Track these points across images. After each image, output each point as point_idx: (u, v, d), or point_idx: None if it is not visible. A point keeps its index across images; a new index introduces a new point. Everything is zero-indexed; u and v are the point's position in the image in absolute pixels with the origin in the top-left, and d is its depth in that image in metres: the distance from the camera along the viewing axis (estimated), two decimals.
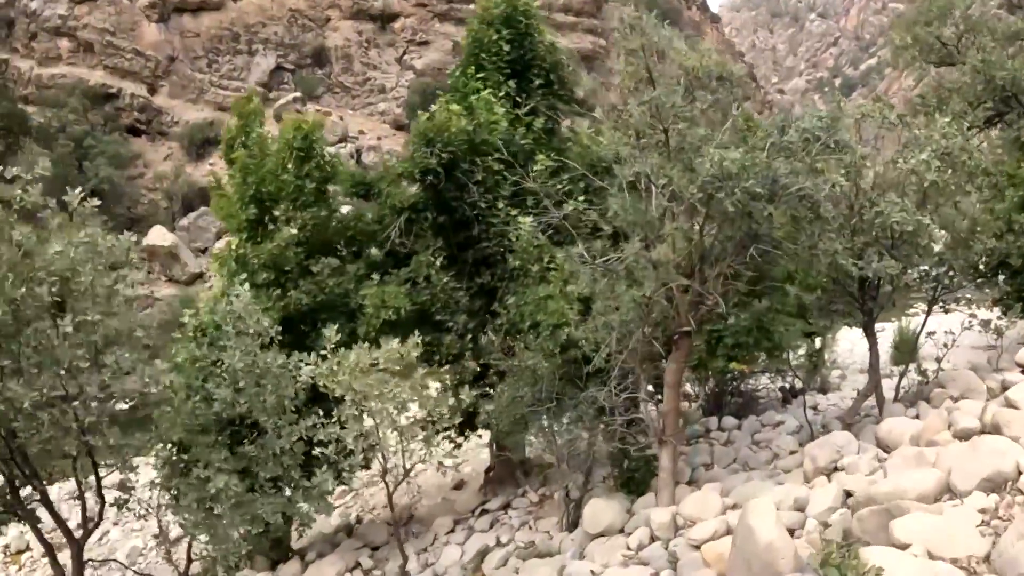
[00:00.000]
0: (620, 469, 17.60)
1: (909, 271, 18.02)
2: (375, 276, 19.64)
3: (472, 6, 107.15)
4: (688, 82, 13.57)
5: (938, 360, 20.06)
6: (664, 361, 15.92)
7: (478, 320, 19.36)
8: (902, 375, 20.23)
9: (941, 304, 20.04)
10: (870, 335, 18.32)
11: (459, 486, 26.55)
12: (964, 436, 12.74)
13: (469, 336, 18.86)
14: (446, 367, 20.02)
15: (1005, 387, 13.99)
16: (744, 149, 12.94)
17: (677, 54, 13.64)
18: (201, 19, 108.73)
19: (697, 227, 14.00)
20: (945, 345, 20.35)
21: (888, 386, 20.37)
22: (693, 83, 13.61)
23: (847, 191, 15.70)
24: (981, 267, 20.54)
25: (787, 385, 26.36)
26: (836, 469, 14.34)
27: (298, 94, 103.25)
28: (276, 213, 20.71)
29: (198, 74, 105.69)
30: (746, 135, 14.65)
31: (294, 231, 20.12)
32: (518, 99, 21.08)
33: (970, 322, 20.48)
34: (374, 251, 20.72)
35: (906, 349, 21.36)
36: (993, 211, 20.01)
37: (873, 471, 13.05)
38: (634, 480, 17.46)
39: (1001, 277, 22.20)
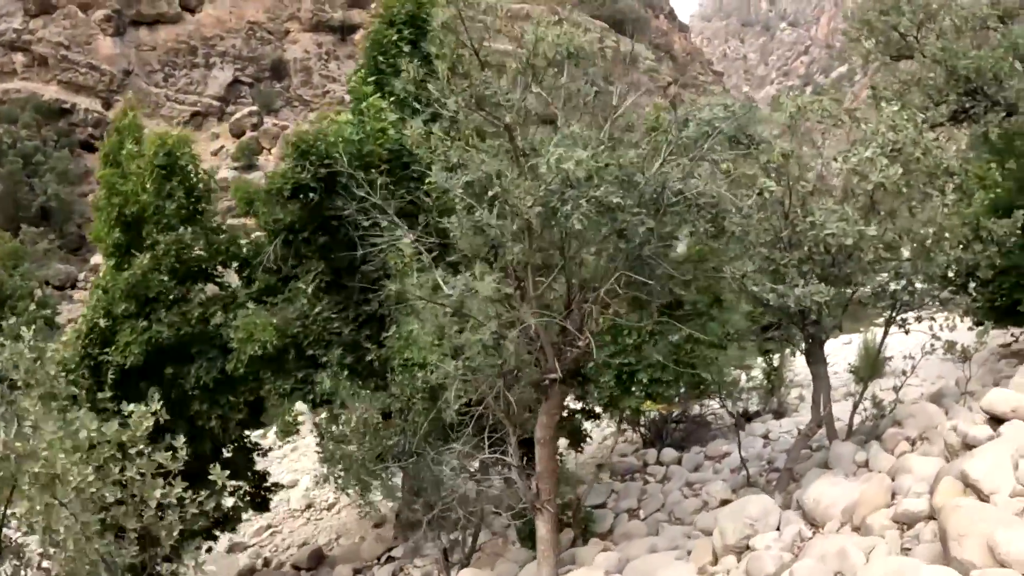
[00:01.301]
0: (523, 522, 15.20)
1: (859, 288, 15.54)
2: (251, 305, 17.26)
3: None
4: (526, 63, 10.90)
5: (896, 389, 17.72)
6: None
7: (358, 354, 16.86)
8: (856, 405, 17.84)
9: (900, 324, 17.67)
10: (814, 364, 15.87)
11: (380, 523, 24.30)
12: (907, 522, 10.16)
13: (346, 373, 16.33)
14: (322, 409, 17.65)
15: (967, 444, 11.48)
16: (604, 147, 10.32)
17: (504, 25, 11.02)
18: (158, 32, 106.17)
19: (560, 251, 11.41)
20: (904, 372, 18.00)
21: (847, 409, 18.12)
22: (534, 64, 10.94)
23: (779, 197, 13.30)
24: (951, 275, 18.21)
25: (739, 408, 24.17)
26: (748, 548, 11.82)
27: (255, 108, 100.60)
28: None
29: (154, 88, 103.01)
30: (628, 133, 12.02)
31: (156, 255, 17.63)
32: (417, 105, 18.66)
33: (932, 345, 18.07)
34: (262, 276, 18.39)
35: (867, 371, 18.86)
36: (959, 216, 17.63)
37: (780, 570, 10.46)
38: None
39: (972, 284, 20.34)
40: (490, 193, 10.11)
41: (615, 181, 10.14)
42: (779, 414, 25.08)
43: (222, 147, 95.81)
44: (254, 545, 26.82)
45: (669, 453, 21.27)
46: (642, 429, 23.66)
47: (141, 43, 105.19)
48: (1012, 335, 23.34)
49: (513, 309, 11.31)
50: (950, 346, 17.87)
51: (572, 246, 11.26)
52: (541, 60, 10.46)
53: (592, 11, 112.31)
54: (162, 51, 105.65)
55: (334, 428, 15.73)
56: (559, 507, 15.08)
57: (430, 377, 12.90)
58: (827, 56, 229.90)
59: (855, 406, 17.84)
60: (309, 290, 16.74)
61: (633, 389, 15.37)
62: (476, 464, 14.25)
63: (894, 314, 17.12)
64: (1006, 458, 10.00)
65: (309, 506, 30.06)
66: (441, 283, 11.50)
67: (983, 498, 9.29)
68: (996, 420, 12.37)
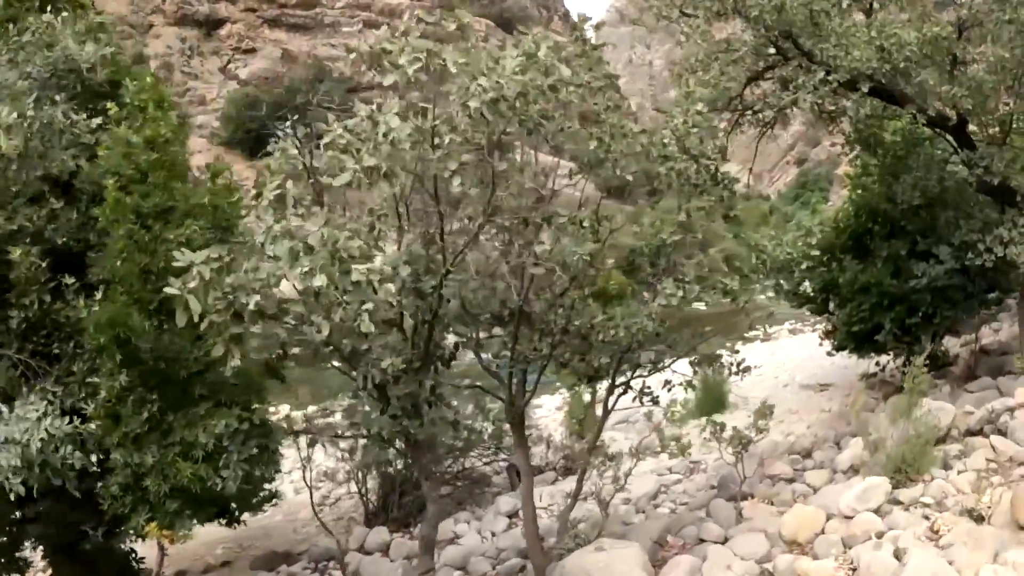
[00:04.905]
0: None
1: None
2: None
3: (313, 11, 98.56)
4: None
5: (617, 484, 11.84)
6: None
7: None
8: (568, 509, 11.75)
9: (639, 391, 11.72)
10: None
11: None
12: None
13: None
14: None
15: None
16: None
17: None
18: None
19: None
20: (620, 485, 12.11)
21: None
22: None
23: None
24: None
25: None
26: None
27: None
28: None
29: None
30: None
31: None
32: None
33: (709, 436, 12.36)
34: None
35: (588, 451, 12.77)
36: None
37: None
38: None
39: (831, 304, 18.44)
40: None
41: None
42: (568, 470, 19.60)
43: None
44: None
45: (379, 536, 15.91)
46: (364, 495, 17.82)
47: None
48: (877, 363, 19.36)
49: None
50: (717, 429, 12.02)
51: None
52: None
53: (479, 10, 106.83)
54: None
55: None
56: None
57: None
58: None
59: (568, 509, 11.78)
60: None
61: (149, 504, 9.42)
62: None
63: (615, 375, 11.19)
64: None
65: None
66: None
67: None
68: None
